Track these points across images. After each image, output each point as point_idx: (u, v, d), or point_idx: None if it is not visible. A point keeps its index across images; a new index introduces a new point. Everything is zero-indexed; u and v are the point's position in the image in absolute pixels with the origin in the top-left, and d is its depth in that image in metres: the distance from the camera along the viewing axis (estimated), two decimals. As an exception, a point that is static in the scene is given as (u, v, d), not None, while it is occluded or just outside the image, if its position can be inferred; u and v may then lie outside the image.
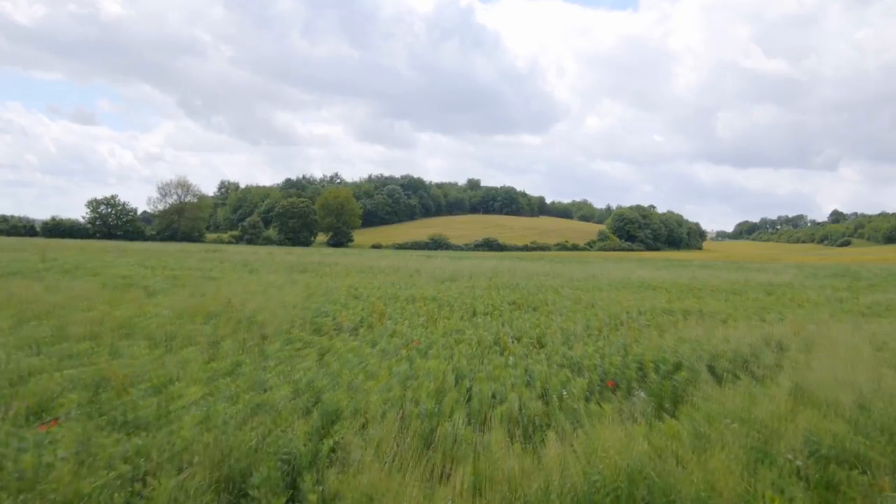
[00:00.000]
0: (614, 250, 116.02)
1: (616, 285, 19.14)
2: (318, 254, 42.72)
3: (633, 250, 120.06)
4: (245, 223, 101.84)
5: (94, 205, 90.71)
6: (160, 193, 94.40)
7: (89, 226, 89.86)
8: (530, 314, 10.06)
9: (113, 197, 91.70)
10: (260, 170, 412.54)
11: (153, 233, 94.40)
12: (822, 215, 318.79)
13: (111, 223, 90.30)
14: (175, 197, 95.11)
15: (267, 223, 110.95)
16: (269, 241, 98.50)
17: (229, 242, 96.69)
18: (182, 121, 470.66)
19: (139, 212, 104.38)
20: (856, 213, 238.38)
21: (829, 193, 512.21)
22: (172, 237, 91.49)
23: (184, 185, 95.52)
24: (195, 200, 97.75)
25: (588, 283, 19.21)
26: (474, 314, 9.85)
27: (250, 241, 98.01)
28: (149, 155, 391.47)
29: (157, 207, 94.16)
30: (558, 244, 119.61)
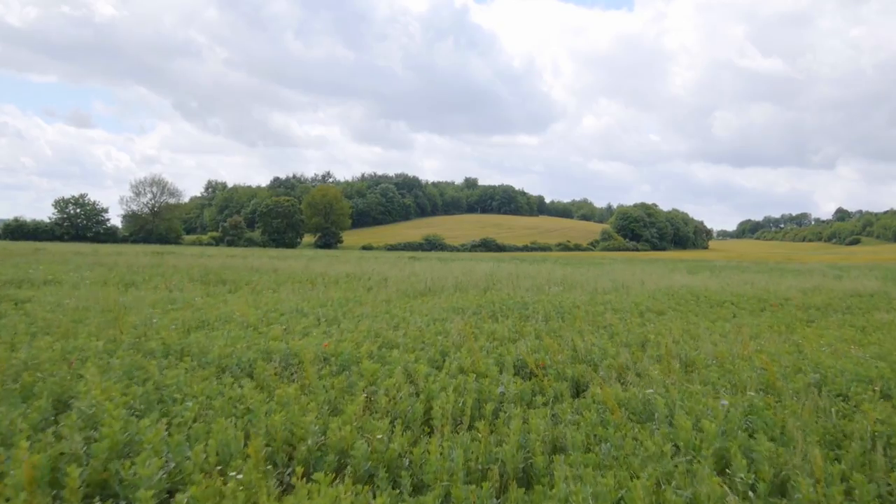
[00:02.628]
0: (619, 250, 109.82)
1: (670, 302, 12.95)
2: (276, 256, 36.26)
3: (638, 250, 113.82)
4: (226, 224, 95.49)
5: (61, 204, 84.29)
6: (133, 192, 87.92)
7: (56, 227, 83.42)
8: (586, 425, 3.76)
9: (82, 196, 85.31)
10: (257, 171, 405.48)
11: (126, 234, 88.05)
12: (820, 213, 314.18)
13: (80, 224, 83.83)
14: (150, 196, 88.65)
15: (252, 224, 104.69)
16: (251, 243, 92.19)
17: (209, 244, 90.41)
18: (178, 123, 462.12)
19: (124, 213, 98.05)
20: (860, 211, 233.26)
21: (827, 192, 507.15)
22: (146, 239, 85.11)
23: (159, 184, 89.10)
24: (172, 200, 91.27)
25: (628, 300, 13.03)
26: (423, 436, 3.64)
27: (231, 243, 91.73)
28: (145, 157, 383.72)
29: (129, 207, 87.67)
30: (560, 244, 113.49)
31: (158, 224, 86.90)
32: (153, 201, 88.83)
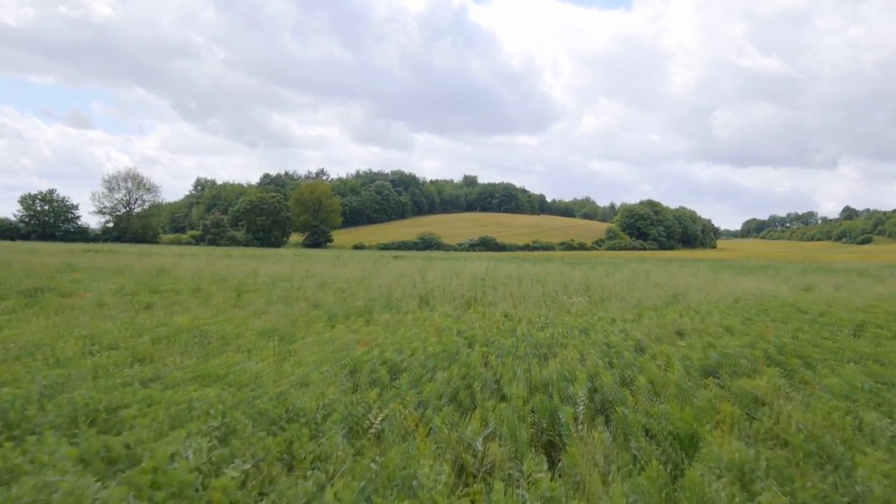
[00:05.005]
0: (626, 249, 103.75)
1: (781, 326, 6.95)
2: (226, 255, 30.30)
3: (645, 249, 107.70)
4: (207, 222, 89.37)
5: (27, 201, 78.28)
6: (107, 188, 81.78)
7: (22, 224, 77.39)
8: None
9: (50, 192, 79.27)
10: (257, 173, 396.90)
11: (100, 233, 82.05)
12: (823, 213, 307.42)
13: (47, 221, 77.80)
14: (124, 192, 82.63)
15: (238, 222, 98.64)
16: (234, 242, 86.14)
17: (188, 243, 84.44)
18: (177, 123, 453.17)
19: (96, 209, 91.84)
20: (867, 210, 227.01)
21: (828, 191, 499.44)
22: (120, 238, 79.10)
23: (134, 179, 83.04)
24: (149, 196, 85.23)
25: (713, 323, 6.93)
26: None
27: (213, 242, 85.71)
28: (145, 158, 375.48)
29: (102, 203, 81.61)
30: (563, 243, 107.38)
31: (132, 222, 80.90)
32: (128, 197, 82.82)
